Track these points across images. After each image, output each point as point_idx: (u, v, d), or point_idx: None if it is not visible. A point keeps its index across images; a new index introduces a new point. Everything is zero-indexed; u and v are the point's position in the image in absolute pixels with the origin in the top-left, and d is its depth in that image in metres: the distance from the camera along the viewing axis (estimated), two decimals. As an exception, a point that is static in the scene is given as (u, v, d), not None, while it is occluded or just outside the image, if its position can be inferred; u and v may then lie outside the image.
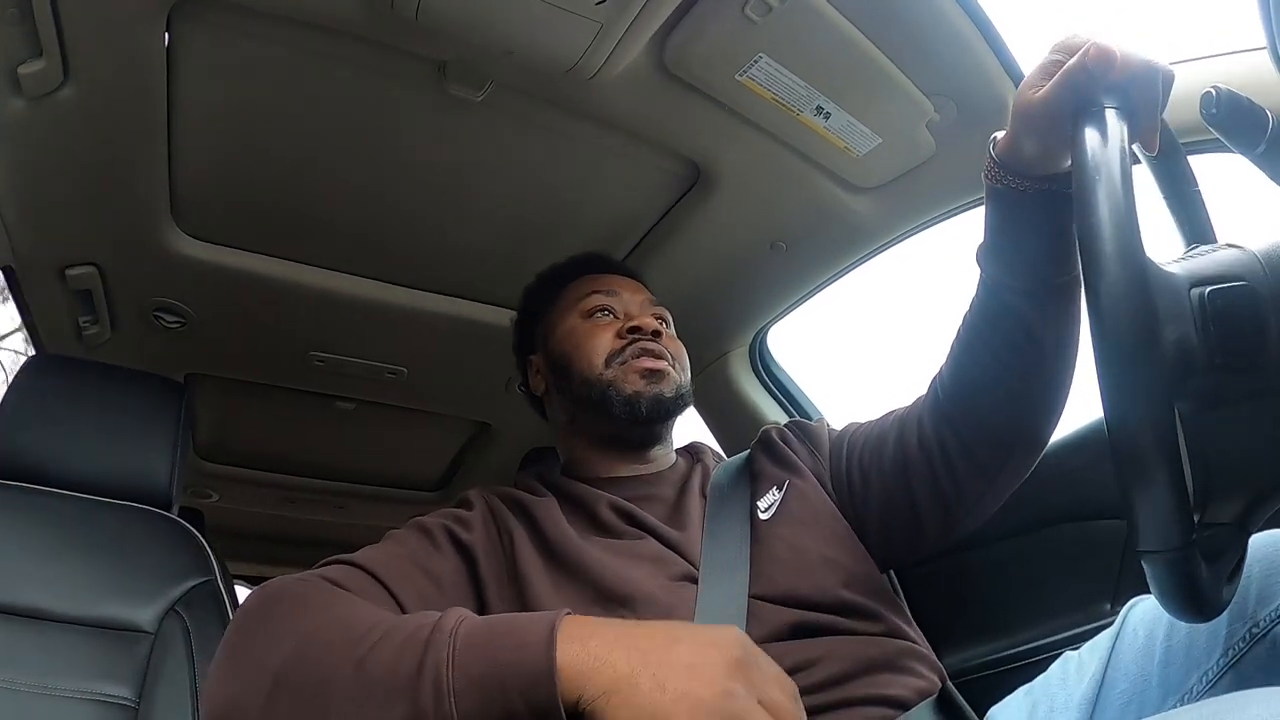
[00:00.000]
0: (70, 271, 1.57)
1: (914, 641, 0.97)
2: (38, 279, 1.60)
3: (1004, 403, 0.94)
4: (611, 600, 0.92)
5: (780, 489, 1.08)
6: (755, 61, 1.20)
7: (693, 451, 1.28)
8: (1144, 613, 0.84)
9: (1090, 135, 0.62)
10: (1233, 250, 0.63)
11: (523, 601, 0.94)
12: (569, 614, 0.67)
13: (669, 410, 1.16)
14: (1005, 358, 0.91)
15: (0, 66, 1.15)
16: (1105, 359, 0.55)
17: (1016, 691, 0.94)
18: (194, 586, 1.22)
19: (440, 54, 1.19)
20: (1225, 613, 0.72)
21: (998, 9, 1.21)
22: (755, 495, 1.09)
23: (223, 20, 1.14)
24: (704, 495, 1.12)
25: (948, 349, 0.99)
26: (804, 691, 0.79)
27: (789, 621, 0.90)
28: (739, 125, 1.34)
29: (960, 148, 1.37)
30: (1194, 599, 0.57)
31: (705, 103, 1.30)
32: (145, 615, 1.16)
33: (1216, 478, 0.62)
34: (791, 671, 0.84)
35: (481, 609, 0.94)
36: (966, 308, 0.95)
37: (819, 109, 1.29)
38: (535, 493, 1.11)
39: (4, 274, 1.59)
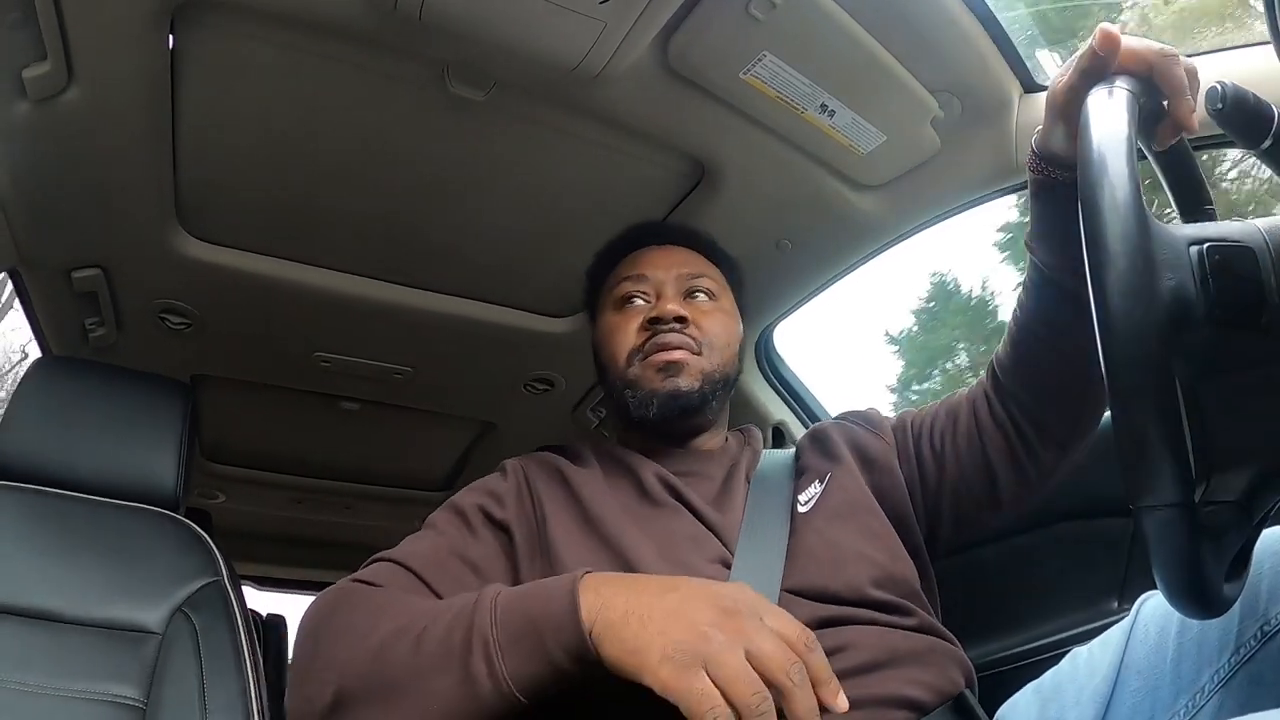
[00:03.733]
0: (76, 274, 1.57)
1: (944, 638, 0.96)
2: (44, 281, 1.61)
3: (1061, 367, 0.97)
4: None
5: (822, 482, 1.07)
6: (759, 60, 1.20)
7: (745, 433, 1.25)
8: (1155, 609, 0.83)
9: (1096, 97, 0.66)
10: (1235, 222, 0.64)
11: (553, 570, 0.94)
12: (589, 572, 0.76)
13: (688, 405, 1.11)
14: (1059, 324, 0.94)
15: (5, 70, 1.15)
16: (1101, 299, 0.56)
17: (1025, 689, 0.94)
18: (201, 587, 1.22)
19: (443, 54, 1.19)
20: (1236, 610, 0.72)
21: (1002, 5, 1.20)
22: (799, 488, 1.07)
23: (227, 23, 1.14)
24: (749, 481, 1.10)
25: (1005, 333, 1.03)
26: None
27: (819, 614, 0.90)
28: (743, 123, 1.34)
29: (965, 144, 1.37)
30: (1194, 583, 0.56)
31: (710, 101, 1.29)
32: (153, 616, 1.16)
33: (1219, 450, 0.62)
34: None
35: (516, 581, 0.96)
36: (1020, 290, 1.00)
37: (823, 107, 1.29)
38: (579, 459, 1.11)
39: (10, 276, 1.59)
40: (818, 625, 0.88)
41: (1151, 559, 0.56)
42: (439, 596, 0.91)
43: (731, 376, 1.17)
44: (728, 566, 0.94)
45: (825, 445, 1.14)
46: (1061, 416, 1.01)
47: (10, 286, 1.68)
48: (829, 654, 0.84)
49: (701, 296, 1.19)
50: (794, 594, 0.92)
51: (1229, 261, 0.60)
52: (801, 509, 1.03)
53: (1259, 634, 0.72)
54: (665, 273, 1.19)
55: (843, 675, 0.83)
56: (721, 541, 0.98)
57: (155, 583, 1.20)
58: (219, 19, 1.13)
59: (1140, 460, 0.54)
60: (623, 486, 1.06)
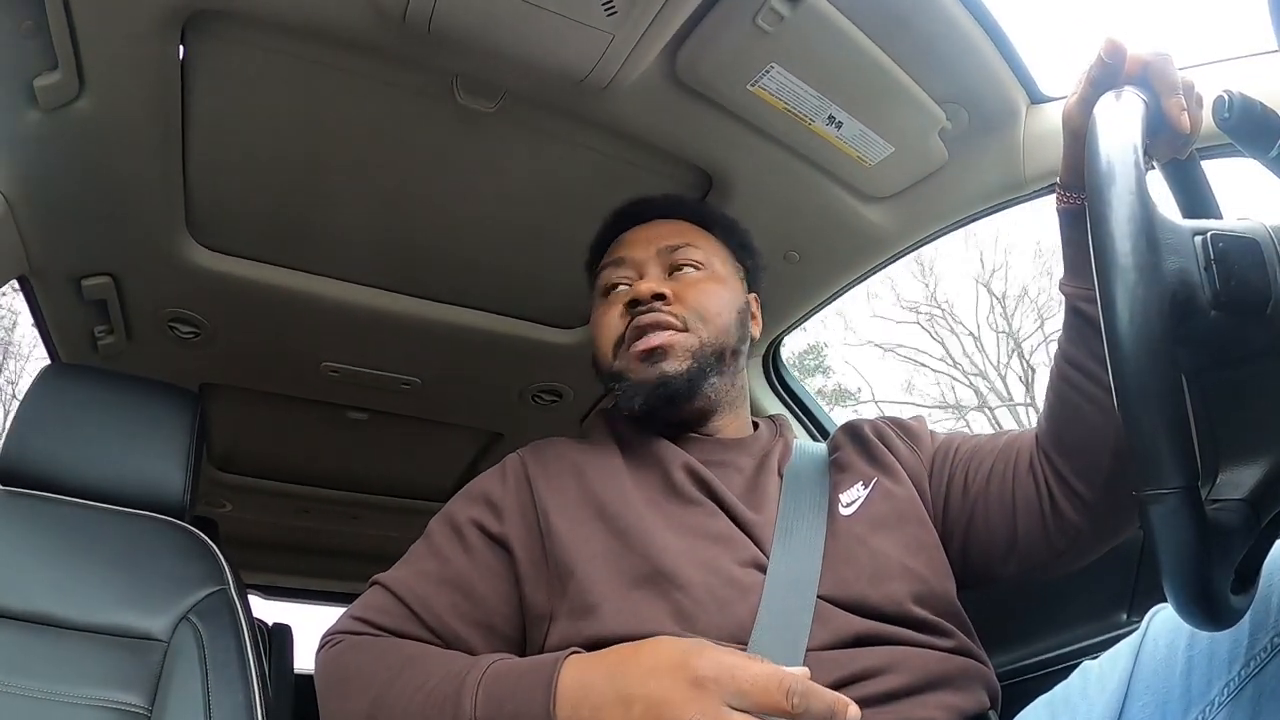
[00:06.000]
0: (86, 282, 1.58)
1: (977, 659, 0.94)
2: (53, 289, 1.61)
3: (1098, 418, 0.89)
4: (666, 581, 0.88)
5: (867, 486, 1.02)
6: (767, 71, 1.20)
7: (778, 422, 1.20)
8: (1164, 622, 0.83)
9: (1104, 100, 0.67)
10: (1242, 221, 0.64)
11: (564, 580, 0.93)
12: (571, 655, 0.79)
13: (677, 391, 1.04)
14: (1092, 374, 0.88)
15: (16, 78, 1.16)
16: (1104, 278, 0.56)
17: (1036, 702, 0.93)
18: (207, 595, 1.22)
19: (452, 66, 1.20)
20: (1247, 622, 0.72)
21: (1009, 17, 1.21)
22: (838, 487, 1.02)
23: (237, 33, 1.15)
24: (781, 475, 1.05)
25: (1047, 384, 0.97)
26: (864, 703, 0.78)
27: (857, 630, 0.87)
28: (751, 135, 1.34)
29: (972, 156, 1.37)
30: (1200, 585, 0.56)
31: (717, 112, 1.29)
32: (158, 623, 1.16)
33: (1226, 445, 0.62)
34: (853, 680, 0.83)
35: (521, 600, 0.96)
36: (1058, 340, 0.95)
37: (831, 118, 1.29)
38: (598, 446, 1.07)
39: (20, 284, 1.60)
40: (854, 642, 0.86)
41: (1158, 555, 0.56)
42: (434, 633, 0.95)
43: (730, 346, 1.11)
44: (762, 570, 0.91)
45: (867, 445, 1.09)
46: (1089, 469, 0.91)
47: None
48: (866, 676, 0.83)
49: (688, 269, 1.13)
50: (830, 602, 0.89)
51: (1233, 250, 0.60)
52: (844, 510, 0.99)
53: (1269, 646, 0.71)
54: (645, 250, 1.14)
55: (879, 700, 0.82)
56: (755, 542, 0.94)
57: (161, 590, 1.20)
58: (229, 30, 1.14)
59: (1144, 442, 0.54)
60: (647, 478, 1.01)
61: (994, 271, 14.71)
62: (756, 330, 1.21)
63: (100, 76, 1.16)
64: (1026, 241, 17.38)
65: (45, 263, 1.54)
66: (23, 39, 1.10)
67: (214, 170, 1.39)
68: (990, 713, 0.90)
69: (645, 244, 1.15)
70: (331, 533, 2.95)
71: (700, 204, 1.26)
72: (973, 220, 1.49)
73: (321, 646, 0.98)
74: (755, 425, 1.19)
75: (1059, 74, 1.29)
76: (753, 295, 1.23)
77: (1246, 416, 0.63)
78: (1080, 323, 0.89)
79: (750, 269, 1.24)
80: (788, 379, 2.02)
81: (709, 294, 1.11)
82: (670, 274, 1.13)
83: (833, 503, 1.00)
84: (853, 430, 1.13)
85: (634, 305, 1.08)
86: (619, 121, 1.31)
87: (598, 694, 0.74)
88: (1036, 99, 1.31)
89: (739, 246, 1.23)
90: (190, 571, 1.24)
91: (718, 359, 1.09)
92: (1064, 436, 0.93)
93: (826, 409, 1.97)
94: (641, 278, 1.12)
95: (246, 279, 1.62)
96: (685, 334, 1.07)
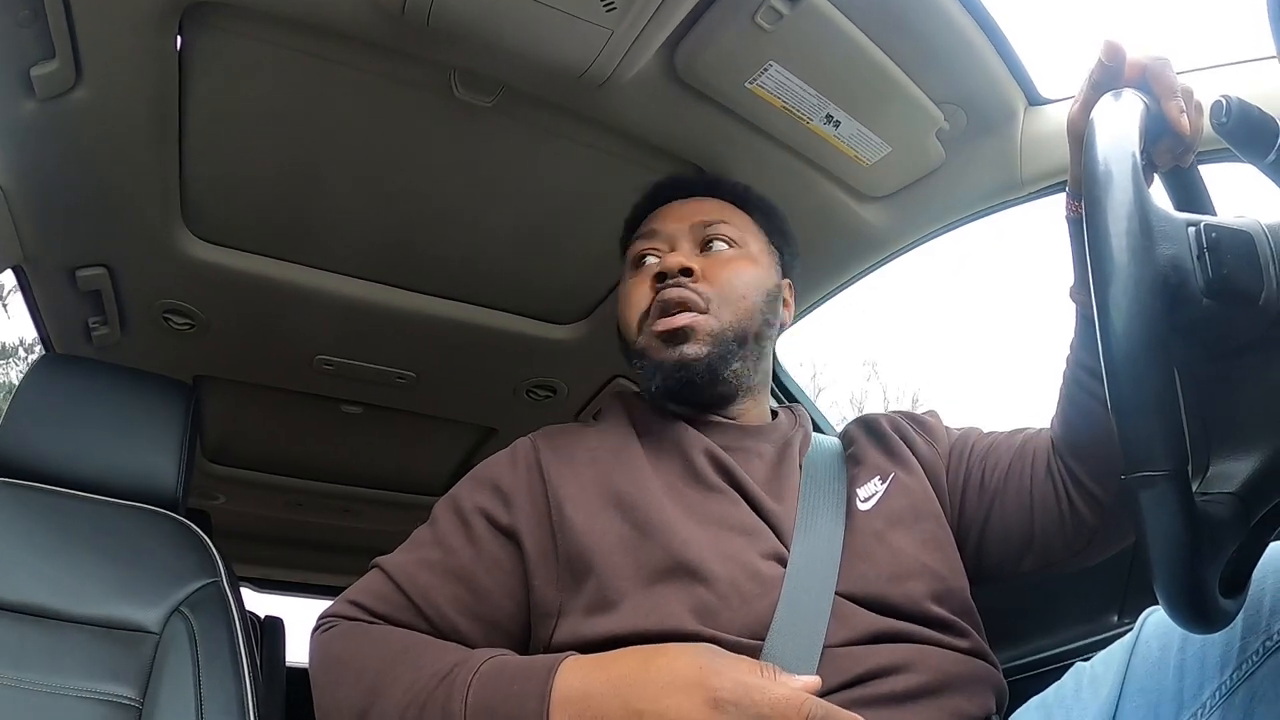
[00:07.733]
0: (80, 272, 1.58)
1: (989, 661, 0.93)
2: (48, 279, 1.61)
3: (1111, 431, 0.90)
4: (689, 575, 0.86)
5: (884, 480, 1.01)
6: (765, 69, 1.20)
7: (796, 412, 1.17)
8: (1157, 624, 0.83)
9: (1104, 100, 0.67)
10: (1237, 217, 0.65)
11: (578, 575, 0.90)
12: (565, 660, 0.79)
13: (695, 376, 1.02)
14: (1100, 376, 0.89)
15: (13, 68, 1.16)
16: (1098, 260, 0.57)
17: (1029, 703, 0.93)
18: (200, 588, 1.21)
19: (450, 60, 1.20)
20: (1239, 625, 0.72)
21: (1008, 18, 1.21)
22: (855, 481, 1.01)
23: (235, 25, 1.14)
24: (801, 466, 1.03)
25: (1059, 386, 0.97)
26: (881, 701, 0.79)
27: (875, 628, 0.86)
28: (748, 133, 1.34)
29: (970, 156, 1.37)
30: (1189, 578, 0.55)
31: (715, 110, 1.29)
32: (151, 616, 1.16)
33: (1218, 438, 0.63)
34: (871, 677, 0.82)
35: (528, 595, 0.94)
36: (1069, 348, 0.95)
37: (829, 117, 1.29)
38: (615, 430, 1.05)
39: (15, 274, 1.59)
40: (872, 639, 0.86)
41: (1147, 544, 0.55)
42: (432, 624, 0.93)
43: (753, 330, 1.07)
44: (782, 563, 0.89)
45: (884, 439, 1.08)
46: (1105, 472, 0.92)
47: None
48: (884, 674, 0.82)
49: (720, 245, 1.10)
50: (849, 599, 0.88)
51: (1226, 241, 0.60)
52: (862, 505, 0.98)
53: (1261, 650, 0.71)
54: (678, 224, 1.12)
55: (895, 699, 0.82)
56: (777, 535, 0.92)
57: (154, 582, 1.20)
58: (226, 21, 1.14)
59: (1133, 423, 0.54)
60: (666, 464, 0.99)
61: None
62: (788, 316, 1.19)
63: (97, 66, 1.16)
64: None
65: (40, 253, 1.53)
66: (19, 27, 1.10)
67: (210, 162, 1.38)
68: (994, 717, 0.90)
69: (680, 218, 1.13)
70: (325, 526, 2.95)
71: (740, 184, 1.22)
72: (970, 220, 1.49)
73: (316, 629, 0.97)
74: (774, 414, 1.17)
75: (1058, 76, 1.29)
76: (786, 281, 1.20)
77: (1238, 410, 0.63)
78: (1092, 329, 0.89)
79: (785, 254, 1.21)
80: (782, 376, 2.02)
81: (738, 273, 1.08)
82: (702, 250, 1.11)
83: (850, 497, 0.99)
84: (868, 424, 1.12)
85: (661, 278, 1.05)
86: (616, 117, 1.31)
87: (602, 706, 0.73)
88: (1035, 101, 1.31)
89: (776, 230, 1.21)
90: (183, 564, 1.24)
91: (739, 343, 1.05)
92: (1079, 440, 0.94)
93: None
94: (672, 250, 1.10)
95: (242, 271, 1.61)
96: (707, 316, 1.03)
